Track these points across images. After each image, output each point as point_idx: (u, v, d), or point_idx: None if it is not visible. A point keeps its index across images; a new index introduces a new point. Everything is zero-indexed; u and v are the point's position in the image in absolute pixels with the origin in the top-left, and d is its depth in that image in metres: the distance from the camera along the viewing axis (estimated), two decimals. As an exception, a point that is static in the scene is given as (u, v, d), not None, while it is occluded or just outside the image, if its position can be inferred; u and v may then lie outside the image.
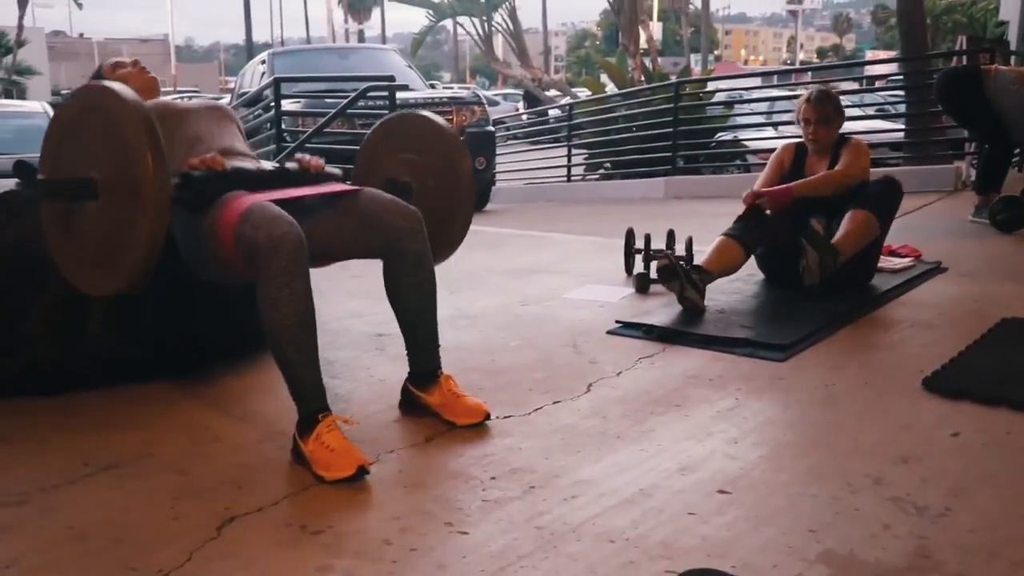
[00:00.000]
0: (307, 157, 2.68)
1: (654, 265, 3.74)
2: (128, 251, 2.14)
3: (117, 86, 2.17)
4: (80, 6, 27.46)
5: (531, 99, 20.74)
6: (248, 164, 2.55)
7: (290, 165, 2.65)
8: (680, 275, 3.43)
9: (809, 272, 3.51)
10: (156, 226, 2.09)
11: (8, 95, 24.25)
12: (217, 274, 2.42)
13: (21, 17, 26.92)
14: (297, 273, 2.14)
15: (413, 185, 2.78)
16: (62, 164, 2.27)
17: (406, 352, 2.50)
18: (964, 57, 8.31)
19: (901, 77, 10.55)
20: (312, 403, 2.16)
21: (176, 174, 2.36)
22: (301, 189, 2.46)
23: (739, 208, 3.78)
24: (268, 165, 2.65)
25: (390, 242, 2.40)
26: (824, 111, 3.86)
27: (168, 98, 2.88)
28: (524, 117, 17.07)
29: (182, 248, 2.46)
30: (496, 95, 28.35)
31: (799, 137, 4.01)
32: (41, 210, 2.38)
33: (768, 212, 3.74)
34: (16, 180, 2.76)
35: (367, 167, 2.92)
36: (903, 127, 9.79)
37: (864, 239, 3.64)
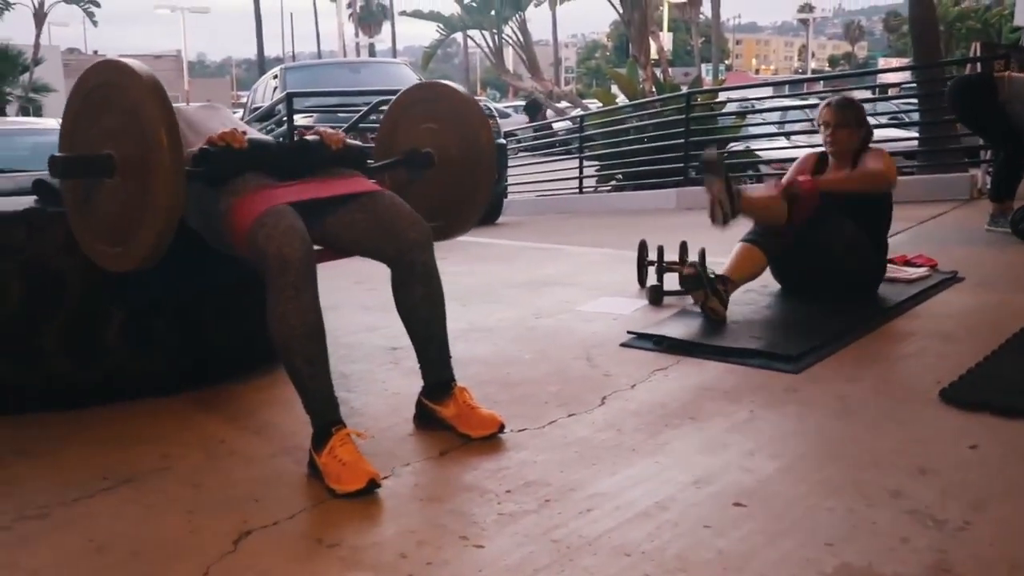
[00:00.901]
0: (328, 131, 2.64)
1: (678, 274, 3.70)
2: (143, 226, 2.16)
3: (131, 62, 2.18)
4: (95, 23, 27.66)
5: (532, 108, 20.57)
6: (267, 138, 2.55)
7: (311, 138, 2.62)
8: (705, 284, 3.43)
9: (709, 310, 3.44)
10: (171, 200, 2.11)
11: (25, 112, 24.43)
12: (225, 248, 2.42)
13: (38, 36, 27.15)
14: (304, 287, 2.15)
15: (434, 155, 2.78)
16: (79, 141, 2.29)
17: (419, 365, 2.51)
18: (979, 64, 8.29)
19: (915, 85, 10.52)
20: (325, 415, 2.17)
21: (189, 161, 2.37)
22: (322, 186, 2.45)
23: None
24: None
25: (401, 252, 2.41)
26: (843, 115, 3.84)
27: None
28: (533, 130, 17.10)
29: (194, 217, 2.45)
30: (507, 107, 28.43)
31: (813, 146, 4.00)
32: (60, 188, 2.41)
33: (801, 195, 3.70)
34: (35, 197, 2.79)
35: (389, 136, 2.92)
36: (917, 135, 9.76)
37: (741, 262, 3.60)
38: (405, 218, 2.43)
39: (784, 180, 3.85)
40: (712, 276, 3.48)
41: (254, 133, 2.72)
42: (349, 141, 2.67)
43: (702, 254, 4.15)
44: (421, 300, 2.44)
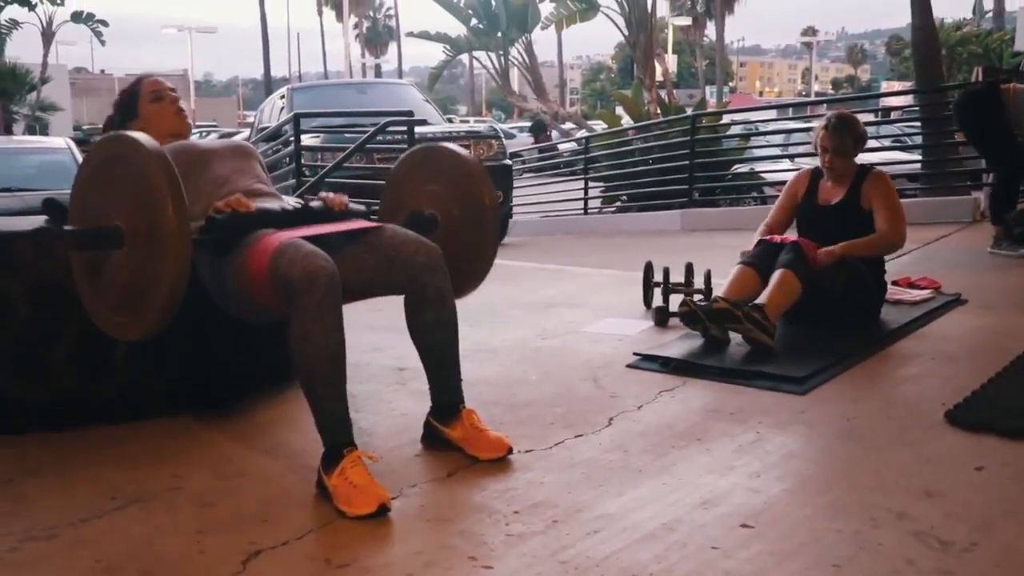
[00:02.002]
0: (331, 195, 2.71)
1: (677, 308, 3.68)
2: (151, 297, 2.20)
3: (140, 136, 2.23)
4: (103, 43, 27.81)
5: (537, 128, 20.83)
6: (272, 204, 2.59)
7: (314, 204, 2.68)
8: (701, 319, 3.43)
9: (754, 340, 3.38)
10: (178, 273, 2.14)
11: (32, 131, 24.54)
12: (246, 311, 2.45)
13: (46, 55, 27.30)
14: (330, 307, 2.18)
15: (438, 217, 2.81)
16: (89, 213, 2.33)
17: (428, 386, 2.52)
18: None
19: (917, 108, 10.57)
20: (338, 437, 2.18)
21: (201, 216, 2.41)
22: (326, 226, 2.49)
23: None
24: (291, 202, 2.68)
25: (411, 277, 2.42)
26: (842, 141, 3.83)
27: (192, 137, 2.91)
28: (538, 151, 17.18)
29: (211, 288, 2.50)
30: (512, 128, 28.54)
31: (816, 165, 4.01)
32: (70, 259, 2.44)
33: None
34: (45, 217, 2.81)
35: (393, 200, 2.95)
36: (920, 158, 9.80)
37: (790, 295, 3.53)
38: (411, 244, 2.45)
39: (769, 219, 3.88)
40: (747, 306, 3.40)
41: (266, 184, 2.73)
42: (352, 205, 2.71)
43: (707, 276, 4.18)
44: (433, 324, 2.45)
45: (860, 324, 3.70)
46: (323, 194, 2.74)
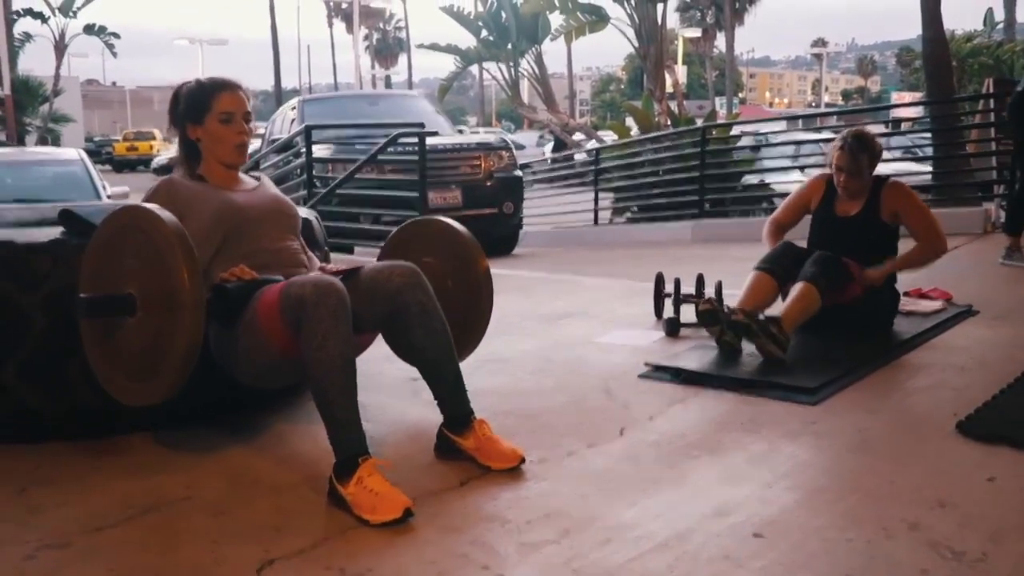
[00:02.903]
0: (330, 267, 2.78)
1: (694, 307, 3.69)
2: (164, 364, 2.24)
3: (154, 208, 2.28)
4: (115, 55, 28.03)
5: (559, 145, 21.20)
6: (276, 276, 2.53)
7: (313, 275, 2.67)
8: (720, 321, 3.43)
9: (768, 353, 3.35)
10: (191, 340, 2.20)
11: (44, 142, 24.73)
12: (261, 366, 2.47)
13: (58, 67, 27.53)
14: (343, 318, 2.21)
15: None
16: (101, 280, 2.37)
17: (436, 401, 2.53)
18: (992, 100, 8.32)
19: (928, 119, 10.56)
20: (352, 447, 2.19)
21: (211, 287, 2.43)
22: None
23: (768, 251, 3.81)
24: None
25: (391, 297, 2.43)
26: (858, 163, 3.78)
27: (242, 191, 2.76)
28: (549, 161, 17.22)
29: (221, 358, 2.55)
30: (522, 139, 28.62)
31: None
32: (81, 326, 2.47)
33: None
34: (61, 228, 2.83)
35: None
36: (931, 170, 9.79)
37: (808, 310, 3.52)
38: (384, 270, 2.48)
39: (777, 213, 3.89)
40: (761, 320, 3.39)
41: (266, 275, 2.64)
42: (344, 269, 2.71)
43: (718, 287, 4.18)
44: (423, 341, 2.45)
45: (872, 335, 3.70)
46: (320, 265, 2.81)
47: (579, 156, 16.91)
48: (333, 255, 3.44)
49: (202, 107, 2.65)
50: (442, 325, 2.46)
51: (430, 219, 3.08)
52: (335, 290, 2.23)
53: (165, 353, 2.23)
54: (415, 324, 2.43)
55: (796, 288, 3.54)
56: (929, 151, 10.38)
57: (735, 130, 12.61)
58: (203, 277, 2.28)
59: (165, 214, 2.25)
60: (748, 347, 3.46)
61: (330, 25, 59.95)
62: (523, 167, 11.66)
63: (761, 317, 3.38)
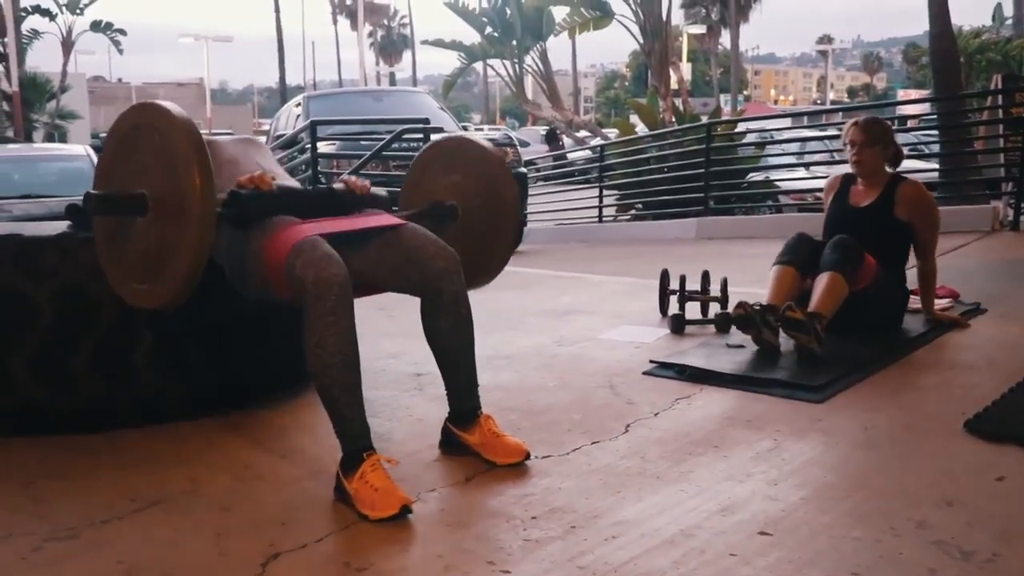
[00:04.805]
0: (353, 179, 2.71)
1: (732, 314, 3.59)
2: (173, 265, 2.21)
3: (166, 104, 2.24)
4: (121, 52, 28.03)
5: (551, 137, 21.22)
6: (295, 184, 2.59)
7: (337, 186, 2.68)
8: (757, 323, 3.41)
9: (810, 350, 3.34)
10: (201, 240, 2.15)
11: (51, 138, 24.79)
12: (257, 292, 2.45)
13: (65, 64, 27.55)
14: (343, 314, 2.19)
15: (458, 207, 2.82)
16: (114, 179, 2.35)
17: (445, 392, 2.53)
18: (1000, 96, 8.28)
19: (935, 116, 10.53)
20: (357, 441, 2.19)
21: (223, 191, 2.41)
22: (347, 221, 2.50)
23: (773, 248, 3.79)
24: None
25: (427, 281, 2.43)
26: (869, 133, 3.82)
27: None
28: (553, 159, 17.22)
29: (225, 262, 2.50)
30: (526, 135, 28.58)
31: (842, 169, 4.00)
32: (94, 224, 2.46)
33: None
34: (68, 222, 2.83)
35: (414, 188, 2.98)
36: (938, 167, 9.76)
37: (840, 300, 3.49)
38: (430, 247, 2.45)
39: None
40: (758, 308, 3.42)
41: (283, 177, 2.75)
42: (374, 189, 2.72)
43: (723, 284, 4.17)
44: (449, 329, 2.46)
45: (880, 332, 3.68)
46: (345, 177, 2.74)
47: (581, 153, 16.89)
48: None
49: None
50: (469, 317, 2.48)
51: (459, 136, 3.00)
52: (337, 283, 2.18)
53: (174, 254, 2.19)
54: (445, 312, 2.44)
55: (823, 279, 3.49)
56: (936, 148, 10.34)
57: (740, 127, 12.59)
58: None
59: (178, 110, 2.20)
60: (750, 343, 3.44)
61: (334, 22, 60.04)
62: (527, 164, 11.65)
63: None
